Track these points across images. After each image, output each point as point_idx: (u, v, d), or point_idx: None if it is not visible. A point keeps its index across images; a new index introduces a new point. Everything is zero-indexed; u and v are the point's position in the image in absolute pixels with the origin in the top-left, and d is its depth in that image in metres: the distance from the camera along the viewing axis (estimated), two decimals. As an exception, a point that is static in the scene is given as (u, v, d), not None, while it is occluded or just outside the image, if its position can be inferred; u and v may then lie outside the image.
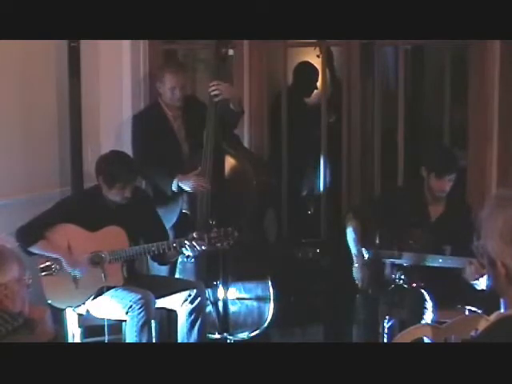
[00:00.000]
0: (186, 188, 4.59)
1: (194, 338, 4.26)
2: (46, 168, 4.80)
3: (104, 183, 4.20)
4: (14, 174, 4.56)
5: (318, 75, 5.90)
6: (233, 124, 4.79)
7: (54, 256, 4.12)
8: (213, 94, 4.54)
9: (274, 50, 5.52)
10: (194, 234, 4.11)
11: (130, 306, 4.04)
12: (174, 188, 4.61)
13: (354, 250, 4.31)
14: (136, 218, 4.23)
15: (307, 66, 6.12)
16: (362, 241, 4.31)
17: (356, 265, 4.28)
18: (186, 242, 4.10)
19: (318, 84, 5.86)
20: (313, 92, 6.16)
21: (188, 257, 4.52)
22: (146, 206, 4.40)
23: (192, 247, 4.10)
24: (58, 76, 4.81)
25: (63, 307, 4.20)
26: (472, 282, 4.01)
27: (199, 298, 4.26)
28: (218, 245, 4.17)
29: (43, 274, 4.12)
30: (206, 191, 4.54)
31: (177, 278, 4.63)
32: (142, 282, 4.26)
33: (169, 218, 4.70)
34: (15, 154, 4.59)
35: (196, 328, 4.25)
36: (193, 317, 4.25)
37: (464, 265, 4.02)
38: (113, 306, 4.12)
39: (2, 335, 2.69)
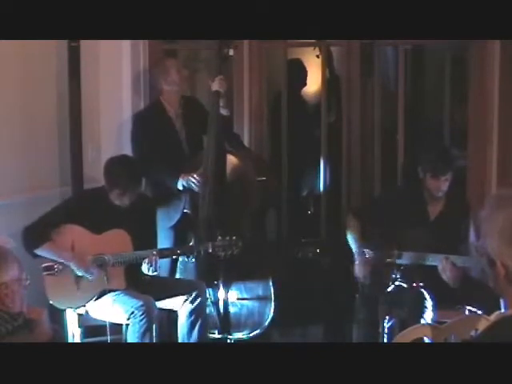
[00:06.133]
0: (192, 185, 4.56)
1: (193, 338, 4.25)
2: (46, 168, 4.80)
3: (106, 185, 4.20)
4: (14, 174, 4.56)
5: (306, 72, 6.05)
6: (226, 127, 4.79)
7: (60, 260, 4.09)
8: (214, 89, 4.55)
9: (273, 50, 5.53)
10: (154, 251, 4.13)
11: (132, 312, 4.01)
12: (180, 187, 4.60)
13: (354, 248, 4.32)
14: (138, 223, 4.21)
15: (296, 63, 6.12)
16: (363, 240, 4.32)
17: (357, 262, 4.29)
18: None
19: (308, 81, 6.01)
20: (302, 88, 6.18)
21: (188, 257, 4.52)
22: (146, 211, 4.37)
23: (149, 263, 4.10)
24: (58, 76, 4.81)
25: (65, 308, 4.19)
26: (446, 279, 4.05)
27: (199, 299, 4.25)
28: (222, 254, 4.17)
29: (45, 273, 4.09)
30: (208, 190, 4.53)
31: (177, 279, 4.62)
32: (143, 284, 4.24)
33: (172, 216, 4.70)
34: (15, 154, 4.58)
35: (196, 329, 4.25)
36: (193, 317, 4.25)
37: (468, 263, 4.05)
38: (114, 311, 4.10)
39: (1, 335, 2.69)
